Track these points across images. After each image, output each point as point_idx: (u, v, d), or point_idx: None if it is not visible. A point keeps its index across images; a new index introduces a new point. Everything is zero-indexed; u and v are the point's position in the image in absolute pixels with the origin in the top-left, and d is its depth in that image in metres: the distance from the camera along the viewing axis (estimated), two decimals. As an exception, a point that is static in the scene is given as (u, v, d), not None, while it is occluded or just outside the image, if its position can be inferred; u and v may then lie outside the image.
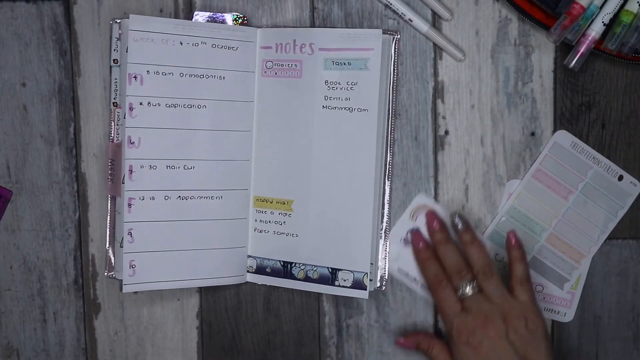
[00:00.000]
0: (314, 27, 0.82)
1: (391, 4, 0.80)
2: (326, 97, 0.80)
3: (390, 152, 0.81)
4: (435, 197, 0.83)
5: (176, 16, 0.82)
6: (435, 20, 0.82)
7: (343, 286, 0.81)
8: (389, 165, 0.82)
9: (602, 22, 0.76)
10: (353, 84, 0.79)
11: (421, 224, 0.82)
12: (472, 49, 0.82)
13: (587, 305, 0.84)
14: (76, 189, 0.83)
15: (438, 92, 0.82)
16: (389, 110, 0.81)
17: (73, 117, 0.83)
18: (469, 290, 0.77)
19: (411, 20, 0.80)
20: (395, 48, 0.81)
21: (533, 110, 0.82)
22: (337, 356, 0.85)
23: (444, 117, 0.82)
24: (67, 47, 0.82)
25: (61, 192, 0.83)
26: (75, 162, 0.83)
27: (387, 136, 0.81)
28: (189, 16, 0.82)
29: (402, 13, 0.80)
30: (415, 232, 0.81)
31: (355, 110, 0.79)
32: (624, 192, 0.82)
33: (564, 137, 0.82)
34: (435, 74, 0.82)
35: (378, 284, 0.82)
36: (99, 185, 0.83)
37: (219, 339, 0.85)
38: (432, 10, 0.81)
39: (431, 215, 0.81)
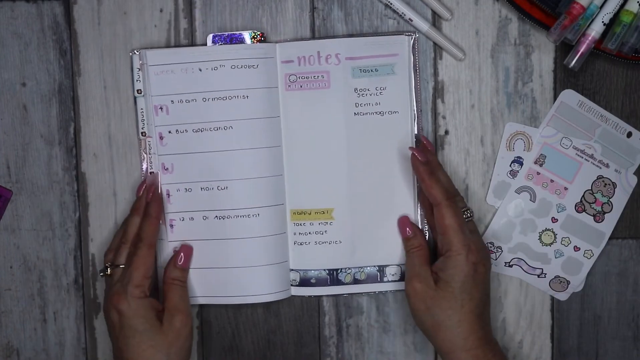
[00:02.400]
0: (314, 27, 0.82)
1: (391, 4, 0.80)
2: (357, 104, 0.81)
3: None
4: (435, 197, 0.83)
5: (176, 16, 0.82)
6: (436, 20, 0.82)
7: (392, 281, 0.82)
8: None
9: (602, 21, 0.76)
10: (382, 88, 0.81)
11: (519, 151, 0.82)
12: (472, 49, 0.82)
13: (587, 305, 0.84)
14: (76, 189, 0.83)
15: (438, 91, 0.82)
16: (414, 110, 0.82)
17: (73, 117, 0.83)
18: (468, 214, 0.78)
19: (411, 20, 0.81)
20: (414, 47, 0.81)
21: (533, 110, 0.82)
22: (337, 356, 0.85)
23: (444, 117, 0.82)
24: (67, 47, 0.82)
25: (61, 192, 0.83)
26: (75, 162, 0.83)
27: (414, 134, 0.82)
28: (204, 39, 0.81)
29: (402, 13, 0.80)
30: (412, 149, 0.79)
31: (387, 113, 0.81)
32: (634, 148, 0.82)
33: (571, 96, 0.82)
34: (435, 73, 0.82)
35: None
36: (99, 185, 0.83)
37: (219, 339, 0.85)
38: (432, 9, 0.81)
39: (425, 139, 0.80)
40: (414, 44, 0.81)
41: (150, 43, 0.82)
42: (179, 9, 0.82)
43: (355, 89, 0.81)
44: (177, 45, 0.82)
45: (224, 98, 0.80)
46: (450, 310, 0.75)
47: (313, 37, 0.82)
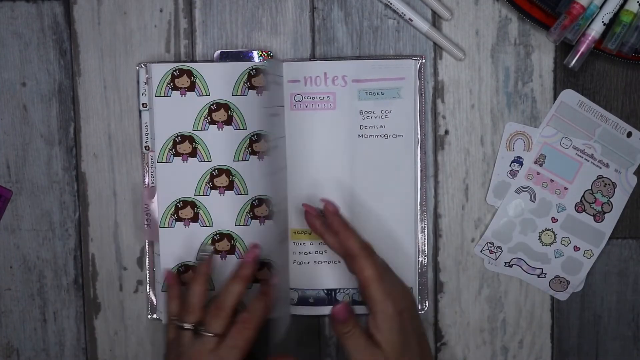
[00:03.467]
0: (314, 27, 0.82)
1: (391, 4, 0.80)
2: (361, 127, 0.81)
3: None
4: (435, 197, 0.83)
5: (176, 16, 0.82)
6: (436, 20, 0.82)
7: None
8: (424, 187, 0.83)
9: (602, 21, 0.76)
10: (387, 112, 0.81)
11: (519, 151, 0.82)
12: (472, 49, 0.82)
13: (587, 305, 0.84)
14: (76, 189, 0.83)
15: (438, 91, 0.82)
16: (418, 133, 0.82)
17: (73, 117, 0.83)
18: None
19: (411, 20, 0.81)
20: (421, 72, 0.81)
21: (533, 110, 0.82)
22: (337, 356, 0.85)
23: (444, 117, 0.82)
24: (67, 47, 0.82)
25: (61, 191, 0.83)
26: (75, 161, 0.83)
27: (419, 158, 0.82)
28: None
29: (402, 12, 0.80)
30: (306, 204, 0.79)
31: (391, 136, 0.81)
32: (634, 148, 0.82)
33: (571, 96, 0.82)
34: (435, 73, 0.82)
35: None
36: (99, 185, 0.83)
37: (219, 339, 0.85)
38: (432, 9, 0.81)
39: (329, 203, 0.78)
40: (420, 68, 0.81)
41: (150, 43, 0.82)
42: (179, 9, 0.82)
43: (361, 112, 0.81)
44: (177, 46, 0.82)
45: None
46: None
47: (313, 37, 0.82)
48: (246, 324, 0.75)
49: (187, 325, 0.75)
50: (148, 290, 0.83)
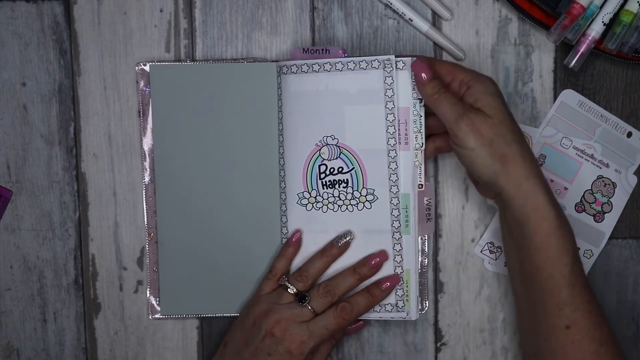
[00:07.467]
0: (314, 27, 0.82)
1: (391, 4, 0.80)
2: None
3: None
4: (436, 197, 0.83)
5: (176, 16, 0.82)
6: (436, 20, 0.82)
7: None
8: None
9: (602, 21, 0.76)
10: None
11: None
12: (472, 49, 0.82)
13: (587, 305, 0.84)
14: (76, 189, 0.83)
15: (438, 91, 0.82)
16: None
17: (73, 117, 0.83)
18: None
19: (411, 20, 0.81)
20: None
21: (533, 110, 0.82)
22: (337, 356, 0.85)
23: (444, 117, 0.82)
24: (67, 47, 0.82)
25: (61, 191, 0.83)
26: (75, 161, 0.83)
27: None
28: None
29: (402, 13, 0.80)
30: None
31: None
32: (634, 148, 0.82)
33: (571, 96, 0.82)
34: (435, 73, 0.82)
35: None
36: (99, 185, 0.83)
37: (219, 339, 0.84)
38: (432, 9, 0.81)
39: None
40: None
41: (150, 43, 0.82)
42: (179, 9, 0.82)
43: None
44: (177, 46, 0.82)
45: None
46: (503, 127, 0.70)
47: (313, 38, 0.82)
48: (344, 313, 0.75)
49: (292, 289, 0.76)
50: (148, 294, 0.83)
